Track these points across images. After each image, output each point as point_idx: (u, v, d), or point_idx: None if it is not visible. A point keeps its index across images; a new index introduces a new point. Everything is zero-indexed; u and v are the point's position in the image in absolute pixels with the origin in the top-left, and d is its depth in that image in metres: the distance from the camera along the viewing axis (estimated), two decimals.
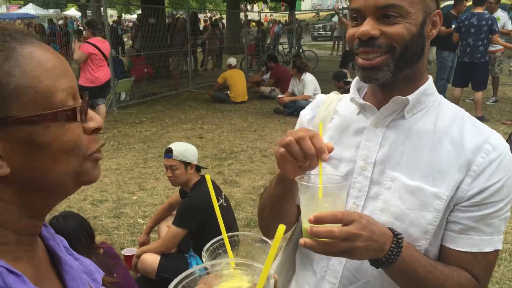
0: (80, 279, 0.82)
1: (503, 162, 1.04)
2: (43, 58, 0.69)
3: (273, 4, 38.11)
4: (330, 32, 25.06)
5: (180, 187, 3.64)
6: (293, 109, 8.78)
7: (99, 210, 4.80)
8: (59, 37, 16.43)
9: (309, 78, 9.05)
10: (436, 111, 1.12)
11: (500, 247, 1.08)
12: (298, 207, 1.14)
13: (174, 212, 3.74)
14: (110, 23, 20.61)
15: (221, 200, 3.47)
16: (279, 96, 9.49)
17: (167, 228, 3.59)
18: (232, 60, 10.70)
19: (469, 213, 1.05)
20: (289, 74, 9.97)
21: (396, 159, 1.10)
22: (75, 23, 26.96)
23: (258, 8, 40.35)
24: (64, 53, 13.37)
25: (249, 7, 37.95)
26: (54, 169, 0.70)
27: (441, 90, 8.60)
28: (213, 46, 16.44)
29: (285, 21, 26.95)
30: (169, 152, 3.36)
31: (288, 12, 26.18)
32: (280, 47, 18.51)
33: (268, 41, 18.46)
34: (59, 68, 0.71)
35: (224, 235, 0.87)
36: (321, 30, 27.26)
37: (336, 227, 0.91)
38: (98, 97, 7.81)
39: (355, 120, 1.18)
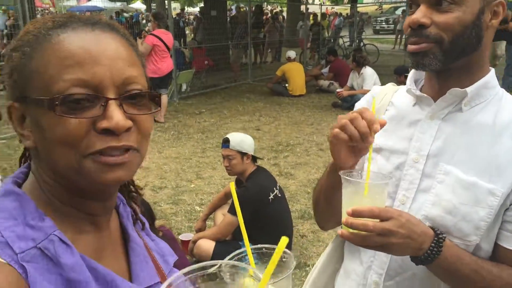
0: (144, 257, 0.87)
1: None
2: (65, 46, 0.69)
3: None
4: (393, 25, 24.36)
5: (236, 176, 3.73)
6: (351, 103, 8.65)
7: (159, 196, 4.99)
8: (125, 29, 17.04)
9: (369, 72, 8.89)
10: (496, 105, 1.10)
11: None
12: None
13: (230, 201, 3.84)
14: (173, 16, 21.18)
15: (275, 191, 3.52)
16: (338, 90, 9.39)
17: (223, 216, 3.69)
18: (291, 53, 10.69)
19: None
20: (348, 68, 9.84)
21: (451, 152, 1.09)
22: (140, 15, 27.83)
23: (320, 0, 39.91)
24: None
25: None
26: (54, 155, 0.70)
27: (509, 87, 8.16)
28: (272, 39, 16.47)
29: (347, 14, 26.48)
30: (226, 142, 3.45)
31: (350, 5, 25.70)
32: (341, 41, 18.25)
33: (327, 34, 18.19)
34: (76, 58, 0.69)
35: (248, 247, 0.81)
36: (383, 23, 26.52)
37: (371, 221, 0.93)
38: (160, 88, 8.06)
39: (410, 112, 1.18)
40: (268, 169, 3.93)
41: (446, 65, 1.06)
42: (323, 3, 37.49)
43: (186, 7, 41.69)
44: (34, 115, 0.71)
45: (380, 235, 0.95)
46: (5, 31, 17.16)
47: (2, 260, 0.65)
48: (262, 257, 0.80)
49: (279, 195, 3.56)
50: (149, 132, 0.77)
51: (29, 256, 0.67)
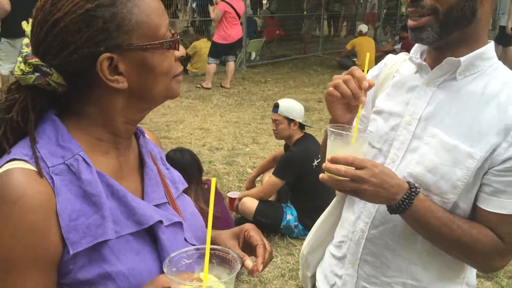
0: (156, 181, 1.01)
1: None
2: (150, 1, 0.88)
3: None
4: None
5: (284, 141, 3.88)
6: None
7: (215, 156, 5.26)
8: None
9: None
10: (489, 76, 1.16)
11: None
12: None
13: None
14: None
15: (320, 159, 3.63)
16: None
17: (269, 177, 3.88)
18: (363, 27, 10.49)
19: (501, 177, 1.11)
20: None
21: (441, 117, 1.17)
22: None
23: None
24: (203, 11, 14.23)
25: None
26: (155, 85, 0.91)
27: None
28: (348, 12, 16.13)
29: None
30: (276, 107, 3.60)
31: None
32: None
33: (404, 10, 17.47)
34: (161, 9, 0.90)
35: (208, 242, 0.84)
36: None
37: (344, 167, 1.06)
38: (229, 54, 8.31)
39: (411, 79, 1.27)
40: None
41: (443, 37, 1.13)
42: None
43: None
44: (139, 59, 0.88)
45: (353, 181, 1.06)
46: None
47: (35, 170, 0.82)
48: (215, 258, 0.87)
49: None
50: None
51: (58, 170, 0.84)
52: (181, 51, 0.95)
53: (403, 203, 1.10)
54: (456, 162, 1.13)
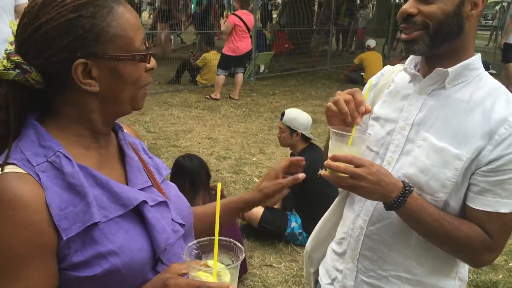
0: (138, 168, 1.10)
1: None
2: (129, 16, 0.98)
3: None
4: (491, 21, 22.96)
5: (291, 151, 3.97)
6: None
7: (222, 165, 5.36)
8: (214, 9, 17.67)
9: None
10: (475, 85, 1.26)
11: None
12: None
13: None
14: None
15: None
16: None
17: None
18: (371, 42, 10.62)
19: (486, 177, 1.20)
20: None
21: (431, 122, 1.27)
22: None
23: None
24: (216, 24, 14.45)
25: None
26: (122, 92, 1.00)
27: None
28: (357, 27, 16.30)
29: None
30: (282, 115, 3.71)
31: None
32: None
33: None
34: (137, 25, 1.00)
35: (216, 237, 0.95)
36: (481, 18, 25.08)
37: (344, 165, 1.15)
38: (238, 66, 8.46)
39: (405, 87, 1.37)
40: None
41: (432, 49, 1.24)
42: None
43: None
44: (113, 68, 0.97)
45: (352, 178, 1.16)
46: None
47: (24, 172, 0.91)
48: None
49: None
50: None
51: (43, 168, 0.93)
52: (151, 64, 1.03)
53: (398, 200, 1.19)
54: (445, 163, 1.22)
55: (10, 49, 0.95)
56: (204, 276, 0.89)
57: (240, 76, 8.55)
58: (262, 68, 11.10)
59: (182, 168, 3.16)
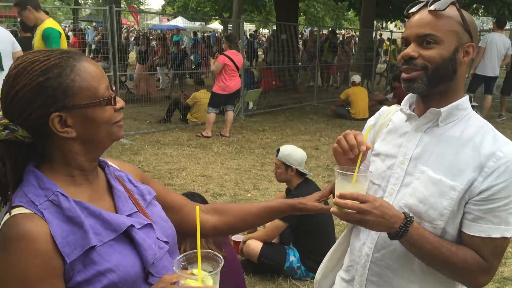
0: (124, 197, 1.29)
1: (509, 167, 1.30)
2: (91, 69, 1.17)
3: None
4: None
5: (287, 186, 4.09)
6: None
7: (217, 201, 5.45)
8: (201, 49, 18.08)
9: None
10: (465, 123, 1.41)
11: (508, 235, 1.33)
12: None
13: None
14: (248, 37, 22.04)
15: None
16: None
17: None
18: (356, 78, 10.95)
19: (479, 206, 1.33)
20: None
21: (427, 157, 1.41)
22: (217, 34, 29.14)
23: (396, 27, 39.61)
24: (204, 63, 14.78)
25: (390, 25, 37.58)
26: (98, 132, 1.18)
27: None
28: (341, 63, 16.77)
29: None
30: (277, 151, 3.86)
31: None
32: None
33: (394, 61, 18.21)
34: (100, 75, 1.18)
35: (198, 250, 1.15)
36: None
37: (351, 202, 1.28)
38: (227, 104, 8.66)
39: (402, 126, 1.52)
40: (321, 186, 4.24)
41: (430, 89, 1.39)
42: (399, 29, 37.14)
43: (261, 29, 42.98)
44: (83, 114, 1.15)
45: (358, 213, 1.28)
46: (93, 46, 18.75)
47: (30, 211, 1.09)
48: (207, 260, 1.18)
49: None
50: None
51: (45, 206, 1.11)
52: (119, 104, 1.23)
53: (401, 230, 1.32)
54: (441, 193, 1.36)
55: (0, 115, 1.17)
56: (192, 282, 1.08)
57: (230, 114, 8.73)
58: (251, 105, 11.33)
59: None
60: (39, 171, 1.17)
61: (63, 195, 1.14)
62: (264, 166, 6.85)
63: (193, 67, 16.54)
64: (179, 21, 31.07)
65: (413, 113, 1.48)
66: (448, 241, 1.37)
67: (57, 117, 1.13)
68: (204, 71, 14.51)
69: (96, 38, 18.84)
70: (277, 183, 5.75)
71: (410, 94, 1.52)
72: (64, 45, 5.17)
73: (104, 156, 1.32)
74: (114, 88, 1.25)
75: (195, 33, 24.83)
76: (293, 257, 3.85)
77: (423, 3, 1.40)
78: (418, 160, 1.43)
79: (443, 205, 1.36)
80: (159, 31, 26.26)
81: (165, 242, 1.28)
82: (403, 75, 1.42)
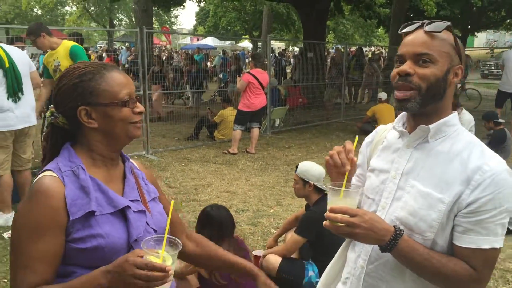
0: (133, 188, 1.57)
1: (495, 180, 1.36)
2: (117, 77, 1.48)
3: None
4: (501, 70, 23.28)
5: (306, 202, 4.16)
6: None
7: (241, 217, 5.55)
8: (229, 67, 18.38)
9: (466, 117, 8.58)
10: (454, 139, 1.48)
11: (497, 246, 1.38)
12: None
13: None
14: (276, 55, 22.27)
15: None
16: None
17: None
18: (383, 95, 10.93)
19: (467, 218, 1.39)
20: None
21: (417, 171, 1.48)
22: (246, 53, 29.56)
23: None
24: (231, 81, 15.03)
25: None
26: (116, 126, 1.48)
27: None
28: (369, 81, 16.75)
29: None
30: (296, 167, 3.94)
31: None
32: None
33: None
34: (124, 83, 1.49)
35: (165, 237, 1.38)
36: (492, 67, 25.51)
37: (341, 215, 1.35)
38: (253, 121, 8.80)
39: (395, 142, 1.60)
40: None
41: (423, 107, 1.46)
42: None
43: (290, 47, 43.31)
44: (104, 111, 1.45)
45: (348, 227, 1.35)
46: (126, 65, 19.35)
47: (55, 175, 1.41)
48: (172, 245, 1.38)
49: None
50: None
51: (67, 174, 1.43)
52: (138, 109, 1.51)
53: (390, 243, 1.39)
54: (430, 206, 1.42)
55: (52, 106, 1.54)
56: (154, 259, 1.29)
57: (255, 131, 8.86)
58: (277, 122, 11.44)
59: (211, 217, 3.39)
60: (72, 148, 1.49)
61: (83, 169, 1.45)
62: (288, 183, 6.92)
63: (222, 85, 16.81)
64: (210, 41, 31.69)
65: (404, 130, 1.55)
66: (439, 253, 1.43)
67: (84, 110, 1.45)
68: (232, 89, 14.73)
69: (129, 58, 19.43)
70: (299, 199, 5.81)
71: (403, 113, 1.60)
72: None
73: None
74: (139, 98, 1.55)
75: (224, 52, 25.26)
76: (311, 272, 3.90)
77: (419, 24, 1.49)
78: (409, 175, 1.50)
79: (432, 217, 1.42)
80: (189, 51, 26.83)
81: (154, 229, 1.53)
82: (397, 94, 1.49)
